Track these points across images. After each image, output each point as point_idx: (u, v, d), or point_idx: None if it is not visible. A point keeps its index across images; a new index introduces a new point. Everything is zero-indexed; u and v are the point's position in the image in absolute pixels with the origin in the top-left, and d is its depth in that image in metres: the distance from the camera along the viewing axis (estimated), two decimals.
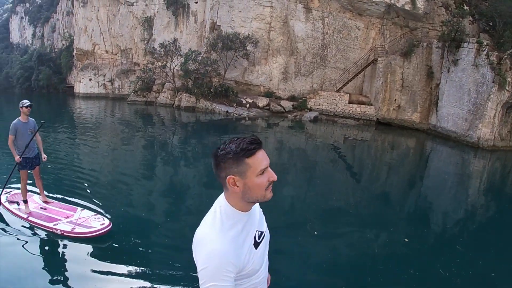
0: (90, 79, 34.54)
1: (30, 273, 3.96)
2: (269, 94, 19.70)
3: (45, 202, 5.53)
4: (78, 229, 4.63)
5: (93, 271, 3.92)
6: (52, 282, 3.73)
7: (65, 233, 4.67)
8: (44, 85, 46.32)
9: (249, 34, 18.83)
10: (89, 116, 20.43)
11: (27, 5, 64.71)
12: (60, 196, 6.10)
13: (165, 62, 21.72)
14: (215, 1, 20.49)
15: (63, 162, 8.83)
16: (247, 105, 18.91)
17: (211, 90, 19.33)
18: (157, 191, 7.09)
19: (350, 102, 17.34)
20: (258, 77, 20.10)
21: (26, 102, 5.05)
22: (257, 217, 1.40)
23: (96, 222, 4.77)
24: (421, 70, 14.53)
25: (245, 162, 1.22)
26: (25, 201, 5.22)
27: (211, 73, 20.35)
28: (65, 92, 41.74)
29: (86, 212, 5.13)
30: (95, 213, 5.14)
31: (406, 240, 5.30)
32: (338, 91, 17.74)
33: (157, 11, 25.05)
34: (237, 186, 1.24)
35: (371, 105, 16.75)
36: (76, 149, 11.02)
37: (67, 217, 5.01)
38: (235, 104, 18.78)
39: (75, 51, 37.86)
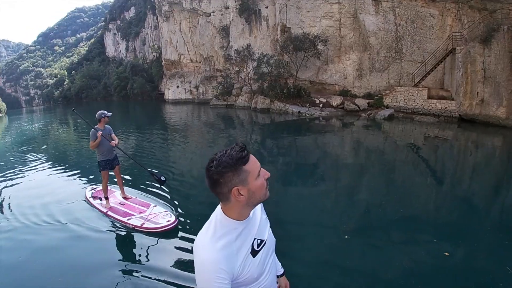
0: (178, 86, 39.14)
1: (101, 262, 4.50)
2: (344, 93, 19.73)
3: (125, 198, 6.29)
4: (147, 224, 5.14)
5: (154, 263, 4.36)
6: (117, 270, 4.23)
7: (135, 227, 5.19)
8: (139, 93, 53.76)
9: (317, 34, 19.40)
10: (178, 119, 23.40)
11: (118, 22, 75.06)
12: (141, 192, 6.87)
13: (241, 67, 23.93)
14: (283, 4, 21.55)
15: (152, 160, 10.11)
16: (321, 105, 19.31)
17: (284, 91, 20.48)
18: None
19: (430, 97, 16.35)
20: (332, 75, 20.37)
21: (107, 113, 5.87)
22: (256, 225, 1.43)
23: (163, 218, 5.25)
24: (504, 58, 12.60)
25: (244, 170, 1.28)
26: (106, 198, 6.02)
27: (284, 75, 21.48)
28: (157, 99, 47.52)
29: (158, 209, 5.67)
30: (165, 210, 5.61)
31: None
32: (415, 85, 16.93)
33: (232, 19, 27.43)
34: (242, 195, 1.29)
35: (453, 100, 15.58)
36: (166, 149, 12.69)
37: (140, 212, 5.60)
38: (308, 104, 19.43)
39: (163, 62, 42.75)
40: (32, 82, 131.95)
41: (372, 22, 17.65)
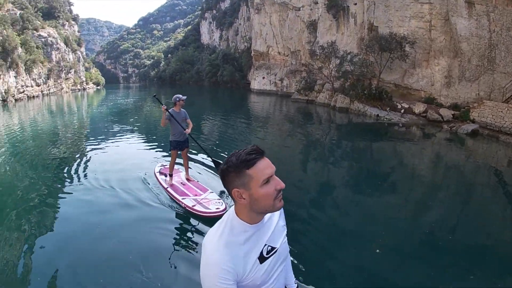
0: (263, 77, 41.42)
1: (143, 230, 5.13)
2: (429, 100, 18.96)
3: (187, 179, 6.80)
4: (197, 207, 5.44)
5: (189, 244, 4.83)
6: (154, 241, 4.84)
7: (187, 208, 5.56)
8: (228, 80, 57.81)
9: (405, 34, 19.06)
10: (260, 109, 25.32)
11: (214, 11, 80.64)
12: (206, 177, 7.51)
13: (324, 64, 24.80)
14: (371, 1, 21.45)
15: (232, 146, 11.09)
16: (402, 110, 18.94)
17: (365, 92, 20.55)
18: (297, 186, 7.60)
19: None
20: (418, 80, 19.74)
21: (182, 96, 6.53)
22: (270, 231, 1.44)
23: (214, 205, 5.52)
24: None
25: (246, 173, 1.28)
26: (171, 175, 6.62)
27: (367, 75, 21.62)
28: (244, 87, 50.60)
29: (213, 195, 5.96)
30: (219, 198, 5.86)
31: None
32: (506, 101, 15.47)
33: (320, 15, 28.27)
34: (244, 199, 1.30)
35: None
36: (245, 137, 13.65)
37: (195, 195, 5.98)
38: (388, 108, 19.27)
39: (252, 52, 45.22)
40: (131, 61, 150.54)
41: (464, 26, 16.70)
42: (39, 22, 64.04)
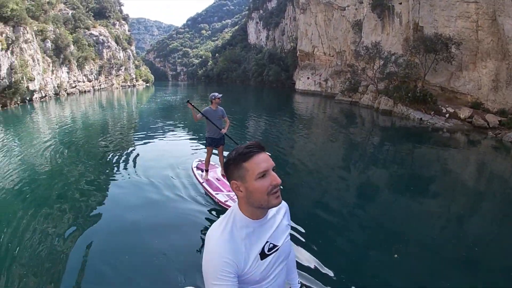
0: (308, 78, 41.97)
1: (179, 223, 5.44)
2: (476, 105, 18.30)
3: (223, 175, 6.92)
4: (229, 203, 5.54)
5: None
6: (183, 234, 5.14)
7: (219, 203, 5.75)
8: (273, 80, 58.95)
9: (450, 35, 18.63)
10: (304, 109, 25.87)
11: (261, 11, 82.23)
12: None
13: (368, 65, 24.94)
14: (416, 0, 21.09)
15: (275, 147, 11.40)
16: (446, 115, 18.53)
17: (409, 95, 20.30)
18: (336, 187, 7.69)
19: None
20: (465, 84, 19.12)
21: (217, 94, 6.75)
22: (272, 229, 1.48)
23: None
24: None
25: (243, 166, 1.35)
26: (206, 170, 6.94)
27: (412, 77, 21.38)
28: (289, 87, 51.39)
29: None
30: None
31: None
32: None
33: (365, 15, 28.35)
34: (241, 191, 1.38)
35: None
36: (288, 137, 13.99)
37: (229, 191, 6.10)
38: (432, 112, 18.95)
39: (298, 52, 45.90)
40: (180, 60, 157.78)
41: None
42: (90, 22, 69.43)
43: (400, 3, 23.59)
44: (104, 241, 4.96)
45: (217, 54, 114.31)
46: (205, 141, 7.14)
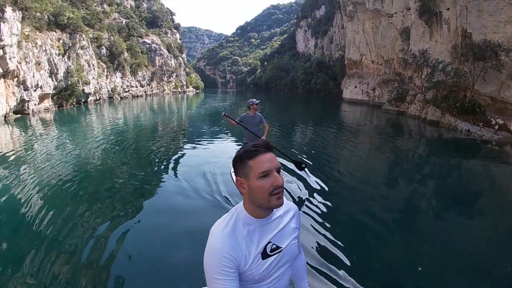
0: (355, 86, 41.82)
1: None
2: None
3: None
4: None
5: None
6: None
7: None
8: (321, 88, 59.26)
9: (499, 42, 17.90)
10: (351, 119, 25.86)
11: (309, 19, 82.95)
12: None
13: (416, 73, 24.63)
14: (463, 6, 20.49)
15: (321, 156, 11.63)
16: (496, 127, 17.88)
17: (457, 104, 19.66)
18: (377, 199, 7.53)
19: None
20: None
21: (255, 100, 6.92)
22: (276, 230, 1.50)
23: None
24: None
25: (247, 164, 1.41)
26: None
27: (460, 86, 20.77)
28: (337, 96, 51.42)
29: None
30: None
31: None
32: None
33: (413, 21, 27.96)
34: (244, 188, 1.44)
35: None
36: (334, 146, 14.23)
37: None
38: (481, 124, 18.31)
39: (346, 61, 45.90)
40: (229, 68, 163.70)
41: None
42: (143, 30, 74.79)
43: (448, 9, 23.07)
44: (141, 239, 5.27)
45: (265, 63, 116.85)
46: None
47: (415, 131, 20.35)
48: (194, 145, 13.49)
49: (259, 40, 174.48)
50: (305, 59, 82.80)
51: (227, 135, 16.82)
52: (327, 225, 5.68)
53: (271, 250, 1.48)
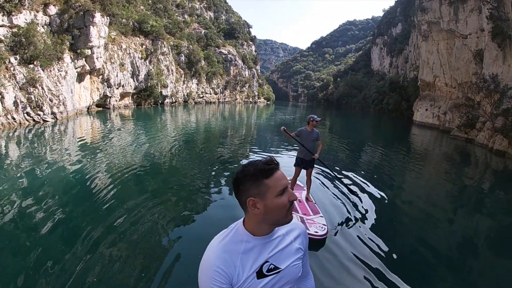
0: (426, 109, 40.94)
1: None
2: None
3: (306, 199, 7.14)
4: None
5: None
6: None
7: None
8: (393, 109, 58.35)
9: None
10: (419, 143, 25.72)
11: (385, 37, 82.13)
12: (329, 201, 7.90)
13: (486, 99, 24.04)
14: None
15: (384, 180, 11.58)
16: None
17: None
18: (435, 231, 7.15)
19: None
20: None
21: (316, 117, 6.94)
22: (275, 249, 1.50)
23: (315, 228, 5.71)
24: None
25: (264, 183, 1.40)
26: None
27: None
28: (408, 118, 50.34)
29: (321, 219, 6.15)
30: (325, 224, 5.95)
31: None
32: None
33: (486, 44, 27.31)
34: (258, 208, 1.42)
35: None
36: (398, 169, 14.35)
37: (304, 214, 6.32)
38: None
39: (419, 82, 45.04)
40: (301, 82, 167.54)
41: None
42: (220, 41, 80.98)
43: None
44: (192, 246, 5.36)
45: (338, 79, 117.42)
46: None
47: (482, 160, 19.69)
48: (257, 155, 14.11)
49: (333, 56, 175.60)
50: (379, 78, 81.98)
51: (291, 145, 16.90)
52: (378, 250, 5.60)
53: (268, 270, 1.47)
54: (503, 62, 25.06)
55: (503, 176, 15.81)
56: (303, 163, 7.17)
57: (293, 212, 5.40)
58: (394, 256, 5.50)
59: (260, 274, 1.45)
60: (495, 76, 23.43)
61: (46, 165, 10.27)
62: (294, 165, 7.36)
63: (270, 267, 1.48)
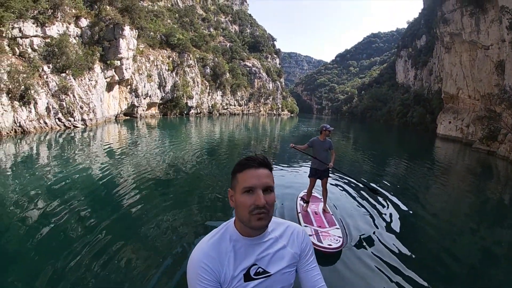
0: (450, 122, 40.47)
1: None
2: None
3: (323, 210, 7.02)
4: (311, 238, 5.35)
5: None
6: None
7: None
8: (417, 122, 57.71)
9: None
10: (442, 157, 25.45)
11: (410, 49, 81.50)
12: (346, 212, 7.63)
13: (508, 110, 23.81)
14: None
15: (407, 189, 11.83)
16: None
17: None
18: (451, 246, 6.80)
19: None
20: None
21: (329, 127, 6.87)
22: (267, 252, 1.48)
23: (328, 240, 5.52)
24: None
25: (236, 176, 1.43)
26: (307, 202, 7.06)
27: None
28: (432, 131, 49.73)
29: (336, 231, 5.95)
30: (340, 236, 5.77)
31: None
32: None
33: (507, 54, 27.09)
34: (232, 201, 1.45)
35: None
36: (420, 181, 14.16)
37: (320, 226, 6.16)
38: None
39: (443, 94, 44.64)
40: (326, 95, 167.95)
41: None
42: (245, 54, 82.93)
43: None
44: None
45: (363, 92, 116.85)
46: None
47: (503, 173, 19.35)
48: (278, 166, 13.86)
49: (358, 69, 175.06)
50: (403, 90, 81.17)
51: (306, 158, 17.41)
52: (397, 263, 5.43)
53: (256, 274, 1.44)
54: None
55: None
56: (317, 174, 7.08)
57: (307, 224, 6.23)
58: (413, 270, 5.27)
59: (247, 277, 1.44)
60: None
61: (73, 167, 10.98)
62: (309, 176, 7.27)
63: (258, 271, 1.45)
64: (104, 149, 15.68)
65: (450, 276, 5.32)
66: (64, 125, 22.46)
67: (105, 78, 30.41)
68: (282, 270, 1.49)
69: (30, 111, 20.03)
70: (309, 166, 7.30)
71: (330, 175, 7.59)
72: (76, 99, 24.20)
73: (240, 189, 1.41)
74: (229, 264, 1.42)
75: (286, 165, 14.48)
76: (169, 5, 66.90)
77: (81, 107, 24.59)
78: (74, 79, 24.98)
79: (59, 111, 22.44)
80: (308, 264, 1.57)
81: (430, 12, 66.75)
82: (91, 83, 27.29)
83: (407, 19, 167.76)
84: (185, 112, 49.51)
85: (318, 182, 7.33)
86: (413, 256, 5.81)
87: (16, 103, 19.06)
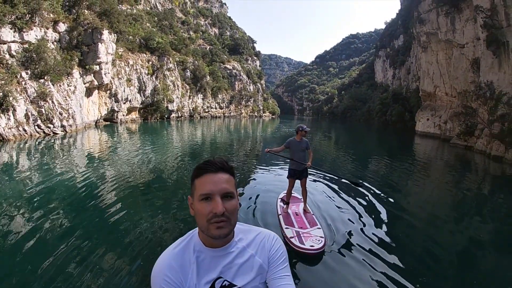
0: (428, 119, 41.42)
1: None
2: None
3: (304, 210, 6.96)
4: (293, 240, 5.46)
5: None
6: None
7: (285, 237, 5.65)
8: (396, 120, 58.89)
9: None
10: (422, 153, 25.90)
11: (388, 49, 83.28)
12: (327, 212, 7.56)
13: (482, 106, 24.51)
14: None
15: (383, 183, 11.96)
16: None
17: None
18: (434, 238, 6.89)
19: None
20: None
21: (305, 127, 6.89)
22: (233, 264, 1.39)
23: (310, 241, 5.42)
24: None
25: (194, 182, 1.34)
26: (287, 203, 6.97)
27: None
28: (411, 129, 50.75)
29: (318, 231, 5.88)
30: (322, 236, 5.68)
31: None
32: None
33: (482, 52, 27.93)
34: (192, 209, 1.36)
35: None
36: (404, 181, 14.05)
37: (301, 227, 6.04)
38: None
39: (420, 92, 45.66)
40: (306, 96, 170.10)
41: None
42: (225, 56, 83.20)
43: None
44: None
45: (343, 92, 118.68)
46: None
47: (480, 167, 19.88)
48: (260, 167, 14.23)
49: (337, 69, 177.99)
50: (382, 90, 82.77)
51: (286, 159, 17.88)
52: (380, 261, 5.39)
53: (222, 287, 1.35)
54: (499, 69, 25.57)
55: (501, 181, 16.03)
56: (296, 174, 7.01)
57: (288, 226, 6.10)
58: (396, 267, 5.24)
59: None
60: (490, 83, 23.99)
61: (54, 174, 10.83)
62: (287, 177, 7.19)
63: (224, 284, 1.36)
64: (84, 155, 15.52)
65: (432, 273, 5.30)
66: (44, 132, 22.05)
67: (84, 83, 29.96)
68: (251, 283, 1.39)
69: (9, 119, 19.61)
70: (288, 167, 7.31)
71: (309, 174, 7.63)
72: (55, 105, 23.79)
73: (198, 196, 1.32)
74: (192, 277, 1.34)
75: (265, 166, 14.58)
76: (148, 9, 66.61)
77: (60, 113, 24.19)
78: (53, 85, 24.56)
79: (38, 118, 22.03)
80: (276, 272, 1.43)
81: (407, 13, 68.19)
82: (70, 89, 26.85)
83: (385, 20, 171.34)
84: (166, 116, 49.27)
85: (298, 182, 7.26)
86: (396, 253, 5.77)
87: None
